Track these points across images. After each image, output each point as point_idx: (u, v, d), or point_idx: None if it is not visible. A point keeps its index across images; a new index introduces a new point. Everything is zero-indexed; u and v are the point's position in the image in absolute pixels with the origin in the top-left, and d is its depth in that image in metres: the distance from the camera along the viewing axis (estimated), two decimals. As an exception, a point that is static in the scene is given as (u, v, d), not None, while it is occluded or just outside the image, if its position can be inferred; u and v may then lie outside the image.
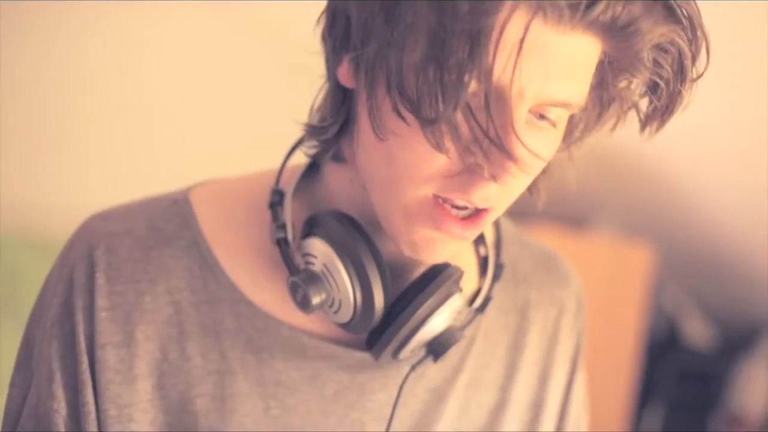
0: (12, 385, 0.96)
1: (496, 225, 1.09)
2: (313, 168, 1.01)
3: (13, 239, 2.47)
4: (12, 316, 2.29)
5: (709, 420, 2.82)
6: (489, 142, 0.78)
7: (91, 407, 0.91)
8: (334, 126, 0.92)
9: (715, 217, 2.73)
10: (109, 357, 0.92)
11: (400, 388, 0.98)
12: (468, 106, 0.78)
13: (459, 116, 0.78)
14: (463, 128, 0.78)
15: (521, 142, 0.78)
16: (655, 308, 2.75)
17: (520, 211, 1.18)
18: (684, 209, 2.77)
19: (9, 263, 2.42)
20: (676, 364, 2.76)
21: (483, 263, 1.08)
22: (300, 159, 1.01)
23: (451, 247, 0.88)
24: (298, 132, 0.96)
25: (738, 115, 2.32)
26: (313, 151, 0.97)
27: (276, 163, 1.01)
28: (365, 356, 0.98)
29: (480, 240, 1.08)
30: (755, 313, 2.84)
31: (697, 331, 2.80)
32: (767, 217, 2.60)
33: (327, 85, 0.93)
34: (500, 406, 1.07)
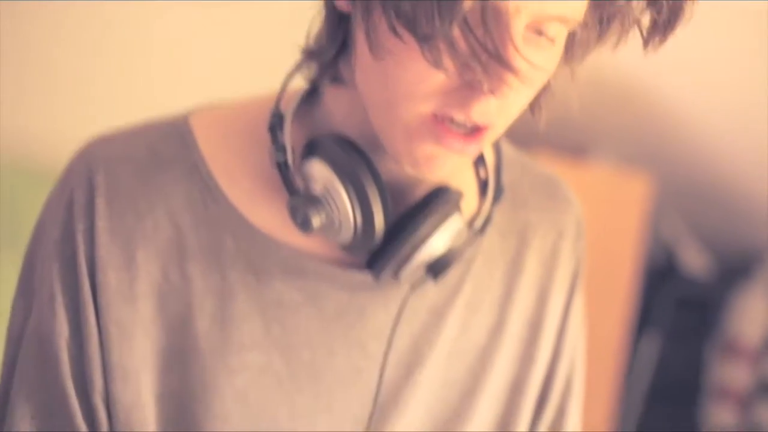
0: (14, 308, 0.97)
1: (497, 148, 1.10)
2: (313, 92, 1.01)
3: (13, 168, 2.47)
4: (11, 245, 2.30)
5: (705, 347, 2.84)
6: (487, 55, 0.78)
7: (92, 328, 0.92)
8: (332, 48, 0.92)
9: (713, 146, 2.73)
10: (110, 279, 0.92)
11: (400, 307, 0.99)
12: (465, 21, 0.77)
13: (456, 32, 0.78)
14: (461, 44, 0.78)
15: (519, 53, 0.78)
16: (652, 237, 2.75)
17: (520, 139, 1.18)
18: (682, 138, 2.77)
19: (8, 192, 2.42)
20: (674, 291, 2.78)
21: (483, 186, 1.08)
22: (300, 84, 1.00)
23: (452, 162, 0.88)
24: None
25: (735, 44, 2.31)
26: (312, 75, 0.97)
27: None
28: (365, 277, 0.98)
29: (480, 162, 1.08)
30: (752, 241, 2.86)
31: (695, 259, 2.81)
32: (765, 145, 2.60)
33: (324, 10, 0.92)
34: (499, 327, 1.08)
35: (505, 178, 1.11)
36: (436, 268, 0.98)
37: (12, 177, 2.45)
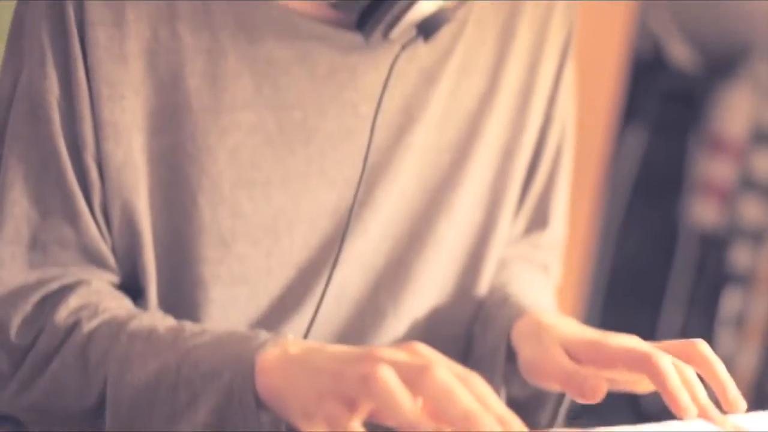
0: (3, 69, 0.96)
1: None
2: None
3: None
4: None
5: (690, 141, 2.85)
6: None
7: (83, 85, 0.91)
8: None
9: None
10: (100, 35, 0.91)
11: (391, 66, 0.99)
12: None
13: None
14: None
15: None
16: (639, 29, 2.73)
17: None
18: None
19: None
20: (660, 84, 2.77)
21: None
22: None
23: None
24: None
25: None
26: None
27: None
28: (357, 38, 0.98)
29: None
30: (740, 37, 2.83)
31: (682, 53, 2.79)
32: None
33: None
34: (490, 93, 1.08)
35: None
36: (427, 27, 0.97)
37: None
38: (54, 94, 0.91)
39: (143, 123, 0.94)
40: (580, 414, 1.07)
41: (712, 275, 2.86)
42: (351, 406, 0.72)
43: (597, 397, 0.87)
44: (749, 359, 2.81)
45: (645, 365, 0.86)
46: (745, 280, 2.82)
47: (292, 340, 0.82)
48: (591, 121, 2.51)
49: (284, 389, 0.78)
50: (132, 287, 0.98)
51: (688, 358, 0.88)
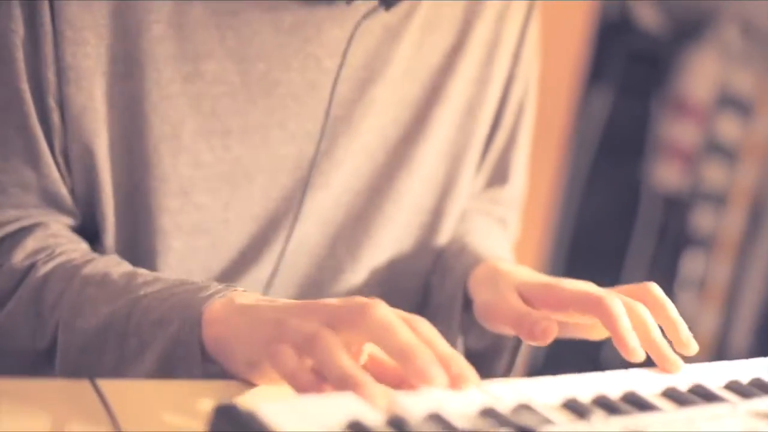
0: None
1: None
2: None
3: None
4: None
5: (655, 103, 2.86)
6: None
7: (47, 27, 0.90)
8: None
9: None
10: None
11: (357, 23, 0.99)
12: None
13: None
14: None
15: None
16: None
17: None
18: None
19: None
20: (626, 45, 2.77)
21: None
22: None
23: None
24: None
25: None
26: None
27: None
28: None
29: None
30: None
31: (649, 14, 2.79)
32: None
33: None
34: (457, 48, 1.09)
35: None
36: None
37: None
38: (18, 34, 0.90)
39: (106, 69, 0.93)
40: (541, 371, 1.07)
41: (674, 237, 2.88)
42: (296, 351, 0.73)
43: (547, 339, 0.88)
44: (710, 321, 2.84)
45: (597, 308, 0.87)
46: (707, 243, 2.84)
47: (241, 292, 0.83)
48: (557, 80, 2.51)
49: (230, 339, 0.79)
50: (90, 233, 0.98)
51: (640, 300, 0.89)
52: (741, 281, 2.83)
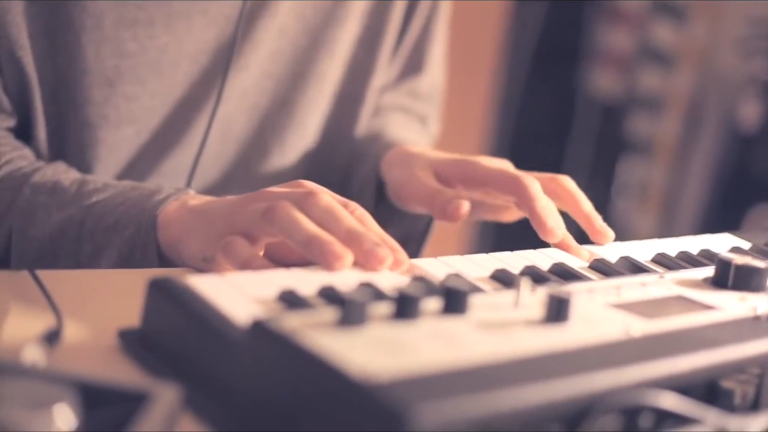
0: None
1: None
2: None
3: None
4: None
5: (590, 11, 2.86)
6: None
7: None
8: None
9: None
10: None
11: None
12: None
13: None
14: None
15: None
16: None
17: None
18: None
19: None
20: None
21: None
22: None
23: None
24: None
25: None
26: None
27: None
28: None
29: None
30: None
31: None
32: None
33: None
34: None
35: None
36: None
37: None
38: None
39: None
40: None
41: (611, 144, 2.91)
42: (249, 240, 0.75)
43: (459, 217, 0.89)
44: (649, 226, 2.88)
45: (514, 186, 0.88)
46: (644, 149, 2.87)
47: (193, 194, 0.84)
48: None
49: (184, 239, 0.81)
50: (23, 133, 0.97)
51: (552, 193, 0.91)
52: (679, 185, 2.86)
